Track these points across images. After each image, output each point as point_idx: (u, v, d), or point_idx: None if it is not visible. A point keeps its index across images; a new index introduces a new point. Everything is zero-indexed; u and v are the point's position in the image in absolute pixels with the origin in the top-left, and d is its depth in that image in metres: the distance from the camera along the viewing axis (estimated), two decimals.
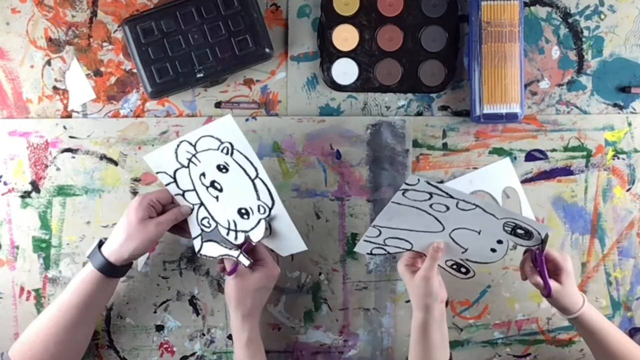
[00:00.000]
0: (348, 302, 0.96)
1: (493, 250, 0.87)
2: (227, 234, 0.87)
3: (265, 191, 0.85)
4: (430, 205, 0.82)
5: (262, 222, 0.86)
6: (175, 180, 0.86)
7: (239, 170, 0.85)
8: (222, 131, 0.84)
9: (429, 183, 0.78)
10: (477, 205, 0.81)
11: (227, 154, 0.84)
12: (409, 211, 0.82)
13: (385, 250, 0.88)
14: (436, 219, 0.83)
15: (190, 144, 0.84)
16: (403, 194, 0.80)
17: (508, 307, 0.97)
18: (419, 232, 0.85)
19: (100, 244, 0.85)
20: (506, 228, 0.84)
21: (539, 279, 0.84)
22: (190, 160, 0.85)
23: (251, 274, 0.85)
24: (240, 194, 0.86)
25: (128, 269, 0.87)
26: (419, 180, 0.77)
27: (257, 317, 0.86)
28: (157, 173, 0.86)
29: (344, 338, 0.97)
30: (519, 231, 0.84)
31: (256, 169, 0.85)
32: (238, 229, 0.87)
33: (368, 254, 0.90)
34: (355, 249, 0.90)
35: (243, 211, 0.86)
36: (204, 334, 0.96)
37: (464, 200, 0.81)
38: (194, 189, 0.86)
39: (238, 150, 0.84)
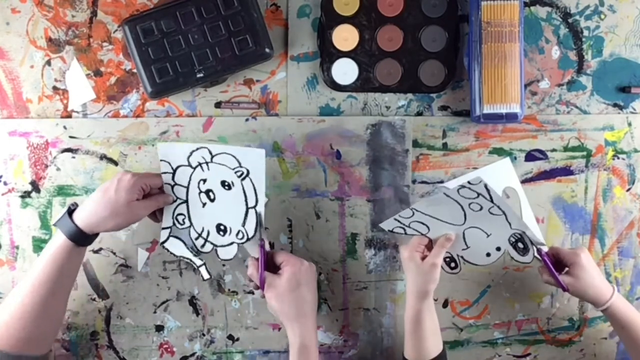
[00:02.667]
0: (348, 302, 0.96)
1: (488, 254, 0.90)
2: (197, 238, 0.87)
3: (253, 223, 0.86)
4: (470, 204, 0.84)
5: (234, 246, 0.87)
6: (173, 173, 0.86)
7: (240, 194, 0.86)
8: (247, 159, 0.85)
9: (486, 187, 0.81)
10: (504, 213, 0.84)
11: (239, 177, 0.85)
12: (449, 203, 0.85)
13: (404, 231, 0.90)
14: (465, 214, 0.86)
15: (210, 152, 0.85)
16: (458, 190, 0.82)
17: (508, 307, 0.97)
18: (442, 221, 0.87)
19: (70, 211, 0.83)
20: (511, 238, 0.87)
21: (549, 277, 0.87)
22: (200, 164, 0.86)
23: (279, 279, 0.84)
24: (229, 213, 0.86)
25: (96, 237, 0.85)
26: (480, 181, 0.80)
27: (309, 321, 0.84)
28: (161, 160, 0.86)
29: (344, 338, 0.97)
30: (519, 244, 0.88)
31: (257, 202, 0.86)
32: (209, 239, 0.87)
33: (389, 230, 0.91)
34: (381, 225, 0.90)
35: (222, 227, 0.87)
36: (203, 334, 0.96)
37: (498, 206, 0.84)
38: (187, 187, 0.87)
39: (251, 179, 0.85)
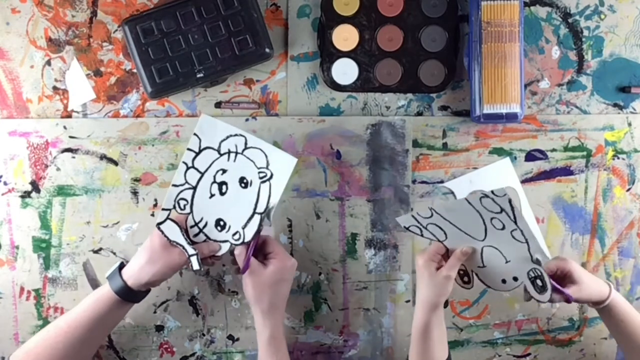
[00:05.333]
0: (348, 302, 0.96)
1: (504, 281, 0.87)
2: (192, 226, 0.87)
3: (255, 227, 0.85)
4: (492, 219, 0.81)
5: (227, 245, 0.87)
6: (197, 154, 0.86)
7: (253, 196, 0.86)
8: (277, 162, 0.85)
9: (510, 202, 0.78)
10: (527, 241, 0.82)
11: (260, 178, 0.85)
12: (471, 213, 0.82)
13: (420, 232, 0.87)
14: (485, 229, 0.83)
15: (245, 143, 0.85)
16: (481, 198, 0.79)
17: (508, 307, 0.97)
18: (461, 231, 0.85)
19: (122, 266, 0.85)
20: (530, 273, 0.84)
21: (555, 295, 0.84)
22: (229, 152, 0.85)
23: (264, 268, 0.84)
24: (234, 211, 0.86)
25: (145, 295, 0.86)
26: (505, 194, 0.77)
27: (279, 313, 0.86)
28: (194, 134, 0.86)
29: (344, 338, 0.97)
30: (538, 282, 0.84)
31: (267, 207, 0.85)
32: (204, 230, 0.87)
33: (405, 227, 0.89)
34: (398, 219, 0.89)
35: (221, 223, 0.87)
36: (203, 334, 0.96)
37: (521, 231, 0.81)
38: (202, 173, 0.86)
39: (271, 184, 0.85)
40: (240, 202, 0.86)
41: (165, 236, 0.84)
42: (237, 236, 0.86)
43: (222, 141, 0.86)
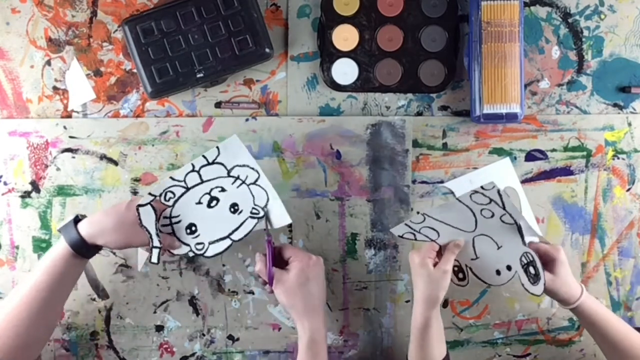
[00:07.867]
0: (348, 302, 0.96)
1: (498, 272, 0.88)
2: (165, 217, 0.87)
3: (220, 249, 0.86)
4: (481, 210, 0.83)
5: (186, 248, 0.87)
6: (208, 164, 0.87)
7: (234, 224, 0.87)
8: (273, 213, 0.87)
9: (498, 192, 0.79)
10: (516, 222, 0.83)
11: (252, 213, 0.87)
12: (461, 209, 0.84)
13: (414, 236, 0.89)
14: (476, 220, 0.85)
15: (255, 181, 0.87)
16: (471, 195, 0.81)
17: (508, 307, 0.97)
18: (452, 227, 0.86)
19: (76, 220, 0.83)
20: (522, 259, 0.85)
21: None
22: (236, 178, 0.87)
23: (287, 274, 0.84)
24: (210, 226, 0.87)
25: (97, 251, 0.84)
26: (494, 187, 0.79)
27: (317, 315, 0.85)
28: (216, 147, 0.86)
29: (344, 338, 0.97)
30: (531, 269, 0.85)
31: (241, 239, 0.86)
32: (174, 227, 0.87)
33: (399, 236, 0.90)
34: (392, 230, 0.90)
35: (193, 228, 0.87)
36: (203, 334, 0.96)
37: (510, 215, 0.82)
38: (202, 182, 0.87)
39: (257, 222, 0.87)
40: (222, 221, 0.87)
41: (140, 219, 0.83)
42: (200, 246, 0.86)
43: (237, 166, 0.87)
